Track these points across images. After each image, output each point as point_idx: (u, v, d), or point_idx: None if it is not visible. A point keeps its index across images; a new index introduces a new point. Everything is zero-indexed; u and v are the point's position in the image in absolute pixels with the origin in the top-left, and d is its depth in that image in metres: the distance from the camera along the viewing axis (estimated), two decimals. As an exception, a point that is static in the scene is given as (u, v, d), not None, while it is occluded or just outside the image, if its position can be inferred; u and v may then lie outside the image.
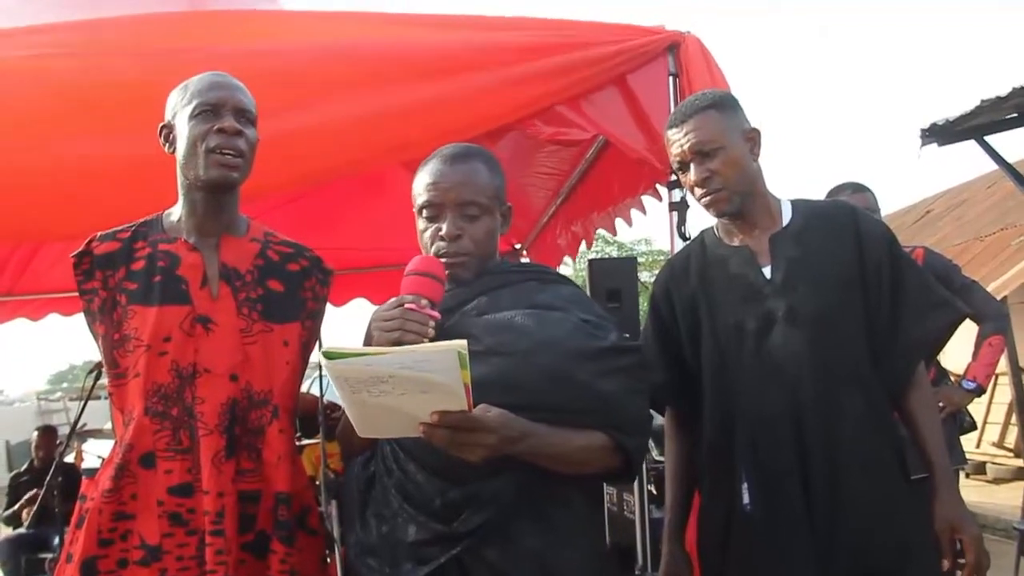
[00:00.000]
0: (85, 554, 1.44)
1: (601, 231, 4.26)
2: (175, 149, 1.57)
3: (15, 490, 5.58)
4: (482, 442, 1.25)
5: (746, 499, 1.65)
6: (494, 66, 2.52)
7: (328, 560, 1.79)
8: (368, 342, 1.41)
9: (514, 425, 1.28)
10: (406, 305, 1.35)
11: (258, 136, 1.60)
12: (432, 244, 1.48)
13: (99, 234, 1.59)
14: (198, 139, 1.52)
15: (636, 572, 3.11)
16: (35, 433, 5.86)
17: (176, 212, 1.61)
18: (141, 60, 2.22)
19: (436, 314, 1.36)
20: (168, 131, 1.59)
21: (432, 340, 1.33)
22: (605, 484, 3.08)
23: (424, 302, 1.36)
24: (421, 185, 1.51)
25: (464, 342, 1.14)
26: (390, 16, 2.61)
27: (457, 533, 1.35)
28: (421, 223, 1.52)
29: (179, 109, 1.57)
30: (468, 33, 2.63)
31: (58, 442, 5.66)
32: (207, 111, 1.53)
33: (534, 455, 1.33)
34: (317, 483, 4.70)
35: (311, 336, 1.66)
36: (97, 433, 6.04)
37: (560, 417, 1.36)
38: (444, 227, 1.47)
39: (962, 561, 1.65)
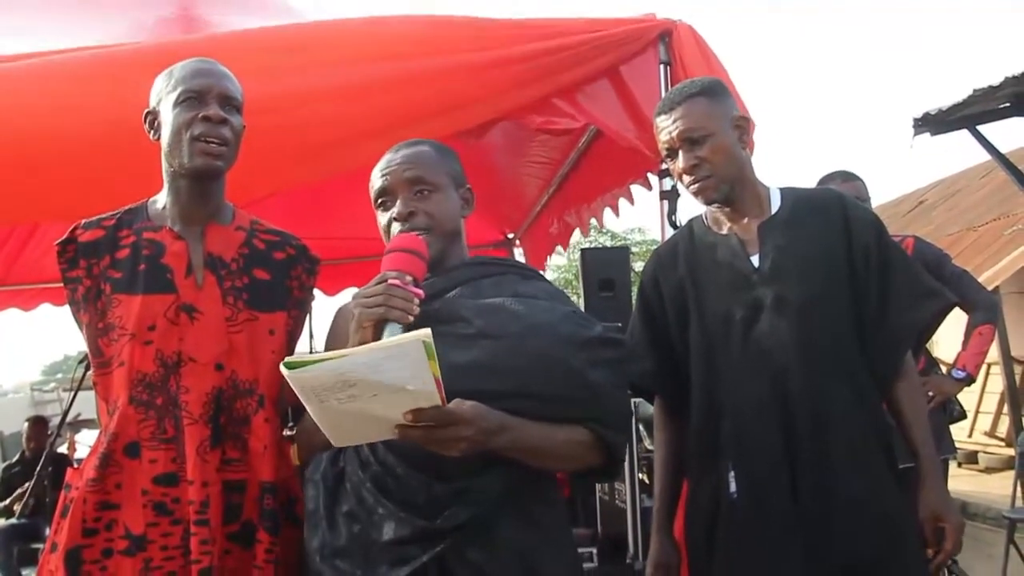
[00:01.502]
0: (70, 543, 1.43)
1: (594, 220, 4.25)
2: (160, 136, 1.55)
3: (7, 481, 5.59)
4: (460, 435, 1.22)
5: (732, 488, 1.64)
6: (489, 62, 2.51)
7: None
8: (348, 321, 1.38)
9: (490, 417, 1.25)
10: (390, 281, 1.30)
11: (243, 124, 1.59)
12: (390, 230, 1.45)
13: (83, 221, 1.57)
14: (183, 127, 1.50)
15: (627, 561, 3.12)
16: (26, 424, 5.85)
17: (161, 200, 1.59)
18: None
19: (420, 292, 1.32)
20: (153, 118, 1.58)
21: (417, 318, 1.28)
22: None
23: (408, 279, 1.31)
24: (373, 179, 1.50)
25: (428, 331, 1.11)
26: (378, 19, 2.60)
27: (441, 529, 1.30)
28: (379, 215, 1.49)
29: (164, 96, 1.55)
30: (461, 29, 2.62)
31: (49, 432, 5.66)
32: (192, 98, 1.51)
33: (517, 449, 1.31)
34: (309, 473, 4.71)
35: (297, 325, 1.65)
36: (90, 423, 6.04)
37: (546, 406, 1.34)
38: (396, 208, 1.45)
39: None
